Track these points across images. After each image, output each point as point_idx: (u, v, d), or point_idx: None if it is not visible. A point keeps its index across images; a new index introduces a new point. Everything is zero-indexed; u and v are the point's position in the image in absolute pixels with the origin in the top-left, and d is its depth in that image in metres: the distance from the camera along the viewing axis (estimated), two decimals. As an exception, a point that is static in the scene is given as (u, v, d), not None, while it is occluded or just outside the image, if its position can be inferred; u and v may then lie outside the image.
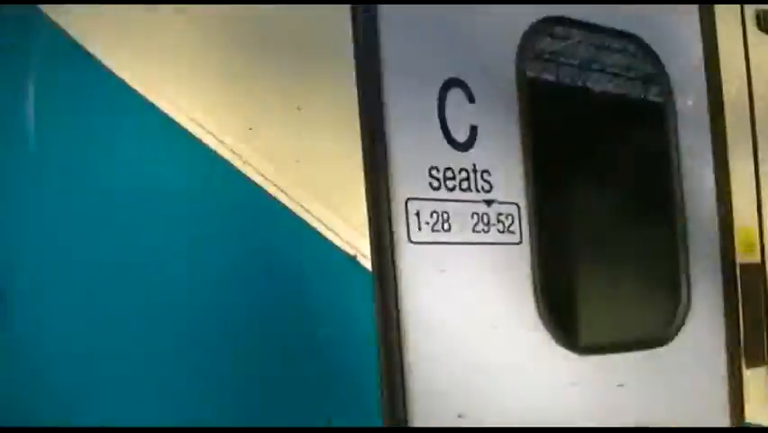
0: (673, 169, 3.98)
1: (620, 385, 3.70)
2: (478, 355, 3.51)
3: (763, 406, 3.93)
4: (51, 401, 2.85)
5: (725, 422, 3.84)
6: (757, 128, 4.18)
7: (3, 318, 2.86)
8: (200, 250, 3.06)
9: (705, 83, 4.06)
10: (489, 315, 3.55)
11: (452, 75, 3.58)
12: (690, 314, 3.90)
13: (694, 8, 4.23)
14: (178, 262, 3.04)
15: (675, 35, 4.13)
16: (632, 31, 4.08)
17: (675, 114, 4.00)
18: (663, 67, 4.03)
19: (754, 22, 4.60)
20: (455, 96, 3.58)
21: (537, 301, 3.61)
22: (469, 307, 3.52)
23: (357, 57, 3.37)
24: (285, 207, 3.16)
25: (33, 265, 2.91)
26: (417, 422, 3.30)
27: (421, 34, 3.55)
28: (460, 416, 3.41)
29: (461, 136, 3.56)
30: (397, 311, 3.31)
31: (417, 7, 3.58)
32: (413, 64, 3.52)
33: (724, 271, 3.98)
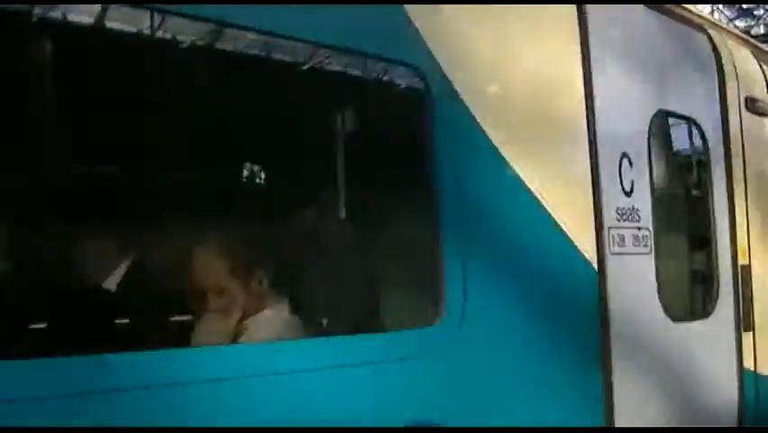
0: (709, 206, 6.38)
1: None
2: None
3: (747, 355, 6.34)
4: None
5: (733, 362, 6.31)
6: (747, 174, 6.65)
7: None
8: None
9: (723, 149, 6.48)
10: (650, 306, 5.71)
11: (625, 150, 5.66)
12: (719, 297, 6.31)
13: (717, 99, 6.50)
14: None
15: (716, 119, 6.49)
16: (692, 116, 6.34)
17: (711, 171, 6.37)
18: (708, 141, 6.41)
19: (744, 105, 6.66)
20: (624, 161, 5.66)
21: (659, 291, 5.81)
22: (640, 297, 5.66)
23: None
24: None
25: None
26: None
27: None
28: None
29: (627, 187, 5.66)
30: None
31: None
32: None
33: (733, 269, 6.41)
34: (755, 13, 45.40)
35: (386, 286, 5.06)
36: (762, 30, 45.12)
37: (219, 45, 4.17)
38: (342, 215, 5.38)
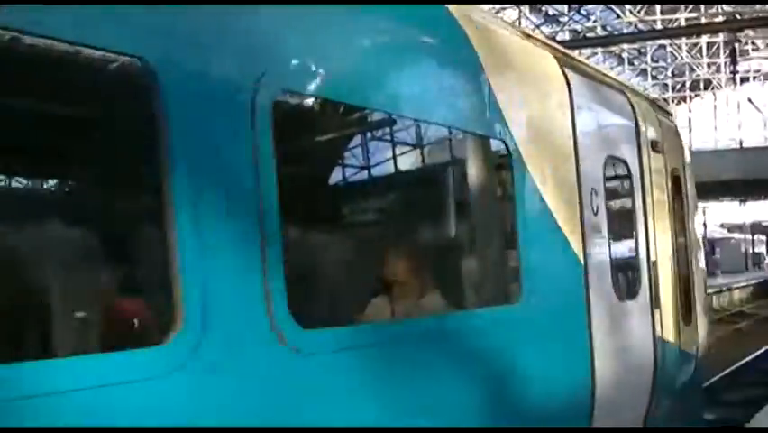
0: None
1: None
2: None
3: (656, 325, 8.86)
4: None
5: (650, 329, 8.58)
6: (653, 195, 8.91)
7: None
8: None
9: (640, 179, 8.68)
10: (609, 289, 7.94)
11: (593, 185, 7.77)
12: (640, 284, 8.56)
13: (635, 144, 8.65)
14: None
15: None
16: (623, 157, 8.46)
17: (633, 195, 8.66)
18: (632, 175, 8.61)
19: (649, 146, 8.88)
20: (593, 192, 7.87)
21: (612, 280, 7.98)
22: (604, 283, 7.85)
23: None
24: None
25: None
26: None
27: None
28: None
29: (594, 210, 7.70)
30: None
31: None
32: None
33: (647, 265, 8.66)
34: (561, 19, 49.28)
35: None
36: (567, 36, 49.02)
37: None
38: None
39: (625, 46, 61.20)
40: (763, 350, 21.97)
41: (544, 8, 50.22)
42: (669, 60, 75.10)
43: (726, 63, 61.66)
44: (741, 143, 53.90)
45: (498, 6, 40.81)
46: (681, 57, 72.56)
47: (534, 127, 6.61)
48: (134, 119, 3.98)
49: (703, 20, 53.71)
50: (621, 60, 69.96)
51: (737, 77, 56.29)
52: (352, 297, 5.12)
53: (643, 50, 70.44)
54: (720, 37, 57.88)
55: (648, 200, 8.68)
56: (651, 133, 8.99)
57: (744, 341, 26.05)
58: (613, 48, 61.70)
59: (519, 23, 43.47)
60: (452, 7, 6.15)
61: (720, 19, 45.11)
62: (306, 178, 4.91)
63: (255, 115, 4.07)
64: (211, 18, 4.04)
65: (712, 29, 43.14)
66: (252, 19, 4.29)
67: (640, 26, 55.11)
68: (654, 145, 9.02)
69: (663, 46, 68.33)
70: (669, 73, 78.26)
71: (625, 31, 54.37)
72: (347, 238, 5.44)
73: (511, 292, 6.53)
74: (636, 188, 8.51)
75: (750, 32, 49.52)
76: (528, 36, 7.52)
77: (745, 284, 53.44)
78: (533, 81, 6.91)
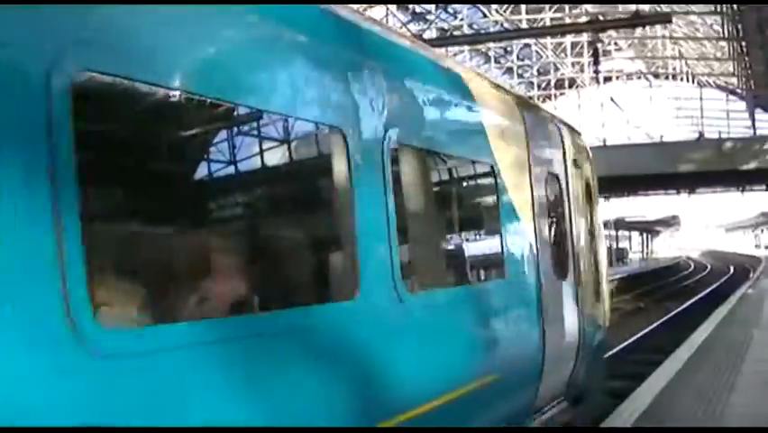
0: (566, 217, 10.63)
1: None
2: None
3: (579, 300, 10.59)
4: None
5: (576, 303, 10.36)
6: (576, 199, 10.96)
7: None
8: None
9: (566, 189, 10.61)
10: (552, 270, 9.72)
11: (539, 195, 9.42)
12: (569, 266, 10.25)
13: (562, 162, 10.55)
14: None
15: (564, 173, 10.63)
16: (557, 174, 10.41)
17: (563, 201, 10.41)
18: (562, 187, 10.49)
19: (572, 163, 10.83)
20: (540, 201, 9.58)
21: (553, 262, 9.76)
22: (550, 266, 9.61)
23: None
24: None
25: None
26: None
27: None
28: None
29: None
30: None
31: None
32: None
33: (572, 252, 10.51)
34: (428, 17, 49.45)
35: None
36: (434, 33, 49.24)
37: None
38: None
39: (491, 44, 61.87)
40: (626, 343, 22.21)
41: (411, 6, 50.16)
42: (534, 59, 76.43)
43: (589, 63, 62.71)
44: (605, 142, 54.93)
45: (365, 6, 40.26)
46: (547, 56, 73.93)
47: (506, 152, 8.56)
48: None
49: (567, 20, 54.60)
50: (488, 59, 70.79)
51: (600, 76, 57.51)
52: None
53: (509, 49, 71.51)
54: (584, 37, 58.99)
55: (572, 204, 10.78)
56: (572, 152, 11.06)
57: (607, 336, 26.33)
58: (480, 46, 62.28)
59: (387, 21, 43.33)
60: (460, 68, 8.70)
61: (584, 19, 45.69)
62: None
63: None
64: None
65: (576, 29, 43.76)
66: None
67: (506, 25, 55.70)
68: (575, 162, 11.12)
69: (529, 45, 69.50)
70: (534, 72, 79.64)
71: (491, 29, 54.89)
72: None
73: (496, 269, 8.41)
74: (564, 194, 10.55)
75: (613, 33, 50.59)
76: (498, 86, 9.64)
77: (610, 279, 54.56)
78: (504, 120, 8.79)
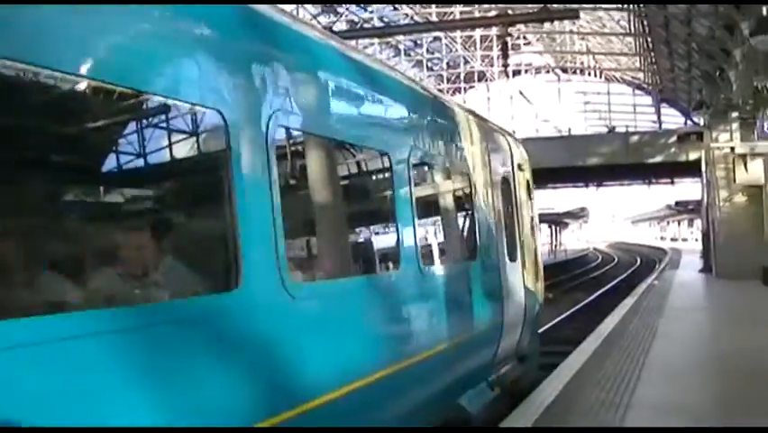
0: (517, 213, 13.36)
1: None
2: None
3: (524, 277, 13.24)
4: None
5: (523, 281, 13.10)
6: (522, 196, 13.86)
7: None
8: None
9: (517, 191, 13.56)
10: (504, 253, 12.53)
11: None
12: (518, 251, 12.97)
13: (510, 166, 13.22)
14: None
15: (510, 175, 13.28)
16: (506, 177, 13.14)
17: (515, 198, 13.33)
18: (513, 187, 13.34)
19: (517, 167, 13.43)
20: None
21: (507, 248, 12.50)
22: (505, 251, 12.53)
23: None
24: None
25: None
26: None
27: None
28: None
29: (500, 211, 12.47)
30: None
31: None
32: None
33: (519, 240, 13.22)
34: (338, 10, 49.21)
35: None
36: (344, 26, 49.04)
37: None
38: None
39: (401, 37, 61.93)
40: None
41: (321, -2, 49.84)
42: (444, 52, 76.68)
43: (498, 56, 63.21)
44: (513, 134, 55.35)
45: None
46: (456, 49, 74.17)
47: (476, 163, 11.15)
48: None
49: (477, 14, 54.89)
50: (398, 51, 70.86)
51: (509, 70, 57.90)
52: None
53: (419, 42, 71.62)
54: (494, 31, 59.33)
55: (519, 200, 13.46)
56: (517, 158, 13.72)
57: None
58: (390, 39, 62.28)
59: (297, 13, 42.99)
60: (454, 103, 11.85)
61: (493, 13, 45.99)
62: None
63: None
64: None
65: (485, 23, 43.98)
66: None
67: (416, 18, 55.71)
68: (519, 166, 13.78)
69: (439, 38, 69.65)
70: (444, 65, 79.95)
71: (401, 22, 54.86)
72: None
73: (470, 252, 10.77)
74: (513, 193, 13.08)
75: (522, 27, 50.89)
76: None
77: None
78: (474, 140, 11.17)
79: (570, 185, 68.77)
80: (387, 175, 7.88)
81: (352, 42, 17.26)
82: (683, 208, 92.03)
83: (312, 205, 6.99)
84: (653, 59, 53.18)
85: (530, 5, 32.63)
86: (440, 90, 41.22)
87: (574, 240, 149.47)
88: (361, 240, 8.21)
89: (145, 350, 4.49)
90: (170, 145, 5.25)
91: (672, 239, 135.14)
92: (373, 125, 7.78)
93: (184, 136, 5.35)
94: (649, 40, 49.61)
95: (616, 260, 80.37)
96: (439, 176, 10.00)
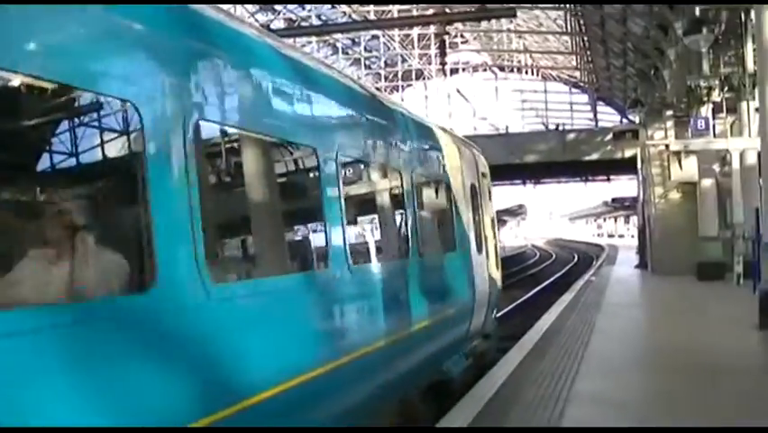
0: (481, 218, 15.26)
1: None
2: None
3: (487, 267, 15.35)
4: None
5: (487, 270, 15.26)
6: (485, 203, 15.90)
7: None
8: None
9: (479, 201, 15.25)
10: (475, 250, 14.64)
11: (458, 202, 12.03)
12: (484, 246, 14.99)
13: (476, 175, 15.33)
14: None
15: (476, 182, 15.27)
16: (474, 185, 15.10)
17: (480, 202, 15.26)
18: (477, 194, 15.20)
19: (481, 175, 15.70)
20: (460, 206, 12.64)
21: (477, 245, 14.44)
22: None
23: None
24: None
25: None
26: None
27: None
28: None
29: (465, 219, 13.85)
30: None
31: None
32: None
33: (484, 239, 15.10)
34: (276, 8, 48.99)
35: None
36: (282, 24, 48.85)
37: None
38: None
39: (339, 36, 61.89)
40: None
41: (258, -4, 49.58)
42: (382, 51, 76.77)
43: (436, 54, 63.42)
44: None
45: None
46: (394, 47, 74.30)
47: (453, 173, 13.11)
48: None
49: (415, 12, 55.00)
50: (336, 50, 70.86)
51: (447, 68, 58.16)
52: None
53: (357, 41, 71.66)
54: (431, 29, 59.53)
55: (484, 204, 15.50)
56: (481, 167, 15.90)
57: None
58: (327, 37, 62.20)
59: (235, 11, 42.68)
60: (435, 125, 13.57)
61: (431, 12, 46.12)
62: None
63: None
64: None
65: (423, 21, 44.09)
66: None
67: (354, 16, 55.71)
68: (483, 175, 15.90)
69: (377, 36, 69.78)
70: (382, 63, 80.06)
71: (339, 20, 54.83)
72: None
73: (451, 245, 12.80)
74: (479, 198, 15.03)
75: (459, 26, 51.14)
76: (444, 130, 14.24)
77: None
78: (452, 155, 13.27)
79: (507, 182, 69.37)
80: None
81: (290, 41, 17.15)
82: (620, 205, 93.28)
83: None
84: (590, 58, 53.79)
85: (468, 5, 32.81)
86: (378, 89, 41.13)
87: (512, 237, 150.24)
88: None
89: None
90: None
91: (609, 235, 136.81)
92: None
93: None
94: (585, 38, 50.18)
95: (553, 256, 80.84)
96: (425, 185, 11.89)
